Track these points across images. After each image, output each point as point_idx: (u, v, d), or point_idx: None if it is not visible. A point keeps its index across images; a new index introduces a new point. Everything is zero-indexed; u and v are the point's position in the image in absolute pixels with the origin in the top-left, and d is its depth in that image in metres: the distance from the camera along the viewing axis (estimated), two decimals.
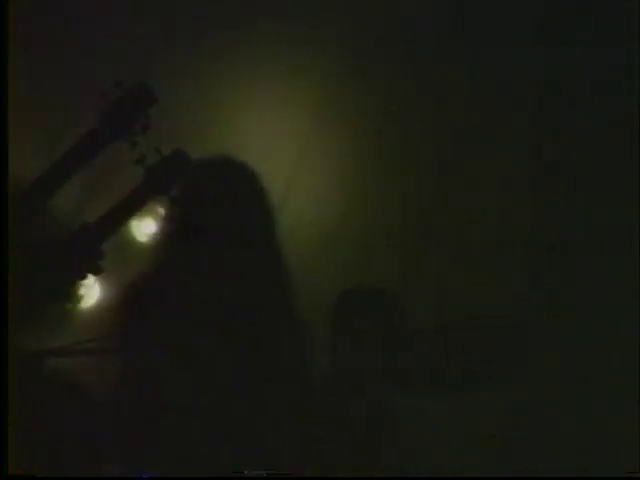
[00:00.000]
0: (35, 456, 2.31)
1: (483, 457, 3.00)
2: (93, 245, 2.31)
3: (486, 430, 3.06)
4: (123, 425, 2.69)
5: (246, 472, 2.64)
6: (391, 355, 2.98)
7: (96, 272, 2.33)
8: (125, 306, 2.78)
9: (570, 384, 3.10)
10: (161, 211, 2.80)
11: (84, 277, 2.33)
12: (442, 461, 2.94)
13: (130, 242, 3.27)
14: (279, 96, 3.42)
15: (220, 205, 2.71)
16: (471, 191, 3.31)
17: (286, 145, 3.43)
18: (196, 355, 2.73)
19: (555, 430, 3.07)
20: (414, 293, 3.21)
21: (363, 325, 3.00)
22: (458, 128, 3.34)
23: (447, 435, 3.04)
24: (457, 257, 3.27)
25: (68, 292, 2.38)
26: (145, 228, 3.34)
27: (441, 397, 3.01)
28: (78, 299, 2.47)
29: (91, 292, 3.25)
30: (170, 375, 2.71)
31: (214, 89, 3.39)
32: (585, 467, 2.86)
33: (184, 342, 2.71)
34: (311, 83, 3.41)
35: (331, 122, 3.42)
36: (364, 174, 3.41)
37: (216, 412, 2.70)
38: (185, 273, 2.73)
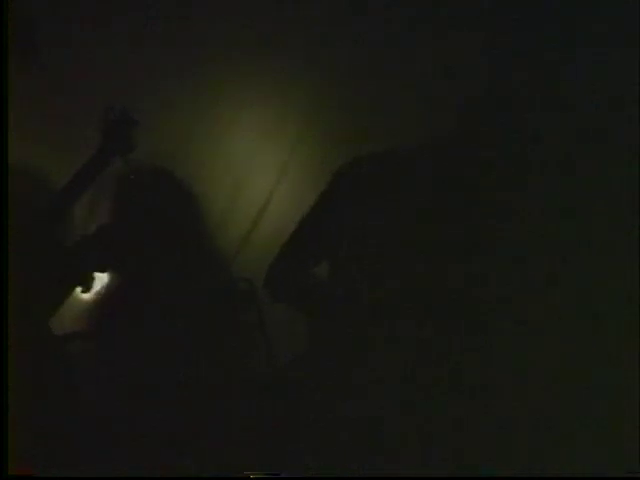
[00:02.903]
0: (35, 456, 2.32)
1: (483, 457, 3.00)
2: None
3: (485, 430, 3.06)
4: (122, 425, 2.69)
5: (246, 472, 2.66)
6: (391, 354, 3.00)
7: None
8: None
9: (570, 384, 3.10)
10: None
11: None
12: (441, 461, 2.95)
13: None
14: (264, 109, 3.43)
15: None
16: (469, 192, 3.32)
17: (268, 159, 3.44)
18: (194, 355, 2.74)
19: (555, 430, 3.07)
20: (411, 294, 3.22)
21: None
22: (454, 130, 3.34)
23: (447, 435, 3.05)
24: (454, 260, 3.27)
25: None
26: None
27: (440, 397, 3.03)
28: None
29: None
30: (170, 375, 2.72)
31: (196, 105, 3.40)
32: (585, 467, 2.86)
33: (177, 343, 2.73)
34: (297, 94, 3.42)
35: (316, 135, 3.43)
36: None
37: (212, 412, 2.72)
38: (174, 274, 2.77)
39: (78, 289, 2.60)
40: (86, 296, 2.78)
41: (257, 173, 3.28)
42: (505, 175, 3.29)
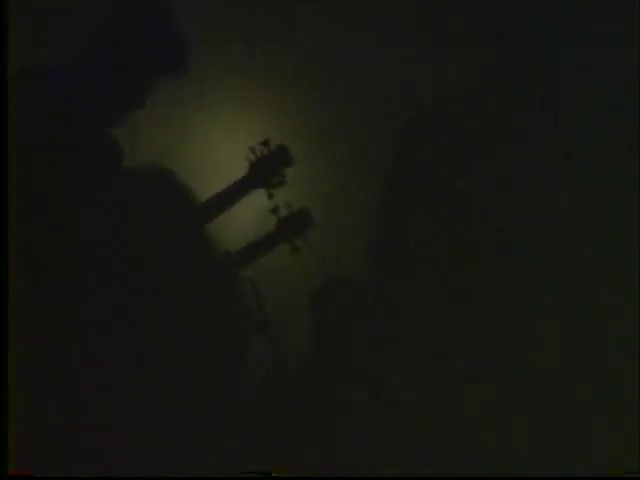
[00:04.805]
0: (35, 456, 2.32)
1: (483, 457, 3.01)
2: None
3: (485, 430, 3.07)
4: (122, 425, 2.69)
5: (246, 472, 2.65)
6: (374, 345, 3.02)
7: None
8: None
9: (570, 384, 3.10)
10: None
11: None
12: (441, 461, 2.95)
13: None
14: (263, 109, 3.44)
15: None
16: (469, 192, 3.32)
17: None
18: (194, 356, 2.74)
19: (555, 430, 3.07)
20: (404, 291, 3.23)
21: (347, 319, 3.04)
22: (452, 131, 3.34)
23: (447, 435, 3.05)
24: (448, 261, 3.28)
25: None
26: None
27: (441, 398, 3.03)
28: None
29: None
30: (170, 375, 2.72)
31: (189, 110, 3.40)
32: (585, 467, 2.86)
33: (178, 343, 2.73)
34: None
35: (316, 134, 3.44)
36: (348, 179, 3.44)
37: (212, 412, 2.72)
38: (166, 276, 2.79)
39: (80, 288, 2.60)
40: (87, 295, 2.78)
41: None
42: (505, 174, 3.29)
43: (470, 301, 3.16)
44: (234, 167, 2.97)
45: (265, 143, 2.84)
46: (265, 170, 2.86)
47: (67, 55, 2.69)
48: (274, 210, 2.94)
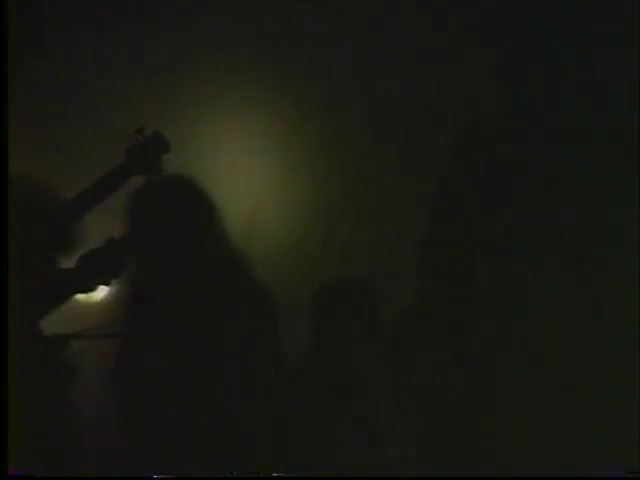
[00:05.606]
0: (35, 456, 2.32)
1: (483, 457, 3.00)
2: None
3: (485, 430, 3.06)
4: (123, 425, 2.70)
5: (246, 472, 2.66)
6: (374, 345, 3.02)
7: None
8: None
9: (570, 384, 3.10)
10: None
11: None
12: (441, 461, 2.96)
13: None
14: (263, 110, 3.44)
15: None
16: (470, 193, 3.32)
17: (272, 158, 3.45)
18: (197, 356, 2.75)
19: (555, 430, 3.07)
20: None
21: (346, 317, 3.05)
22: (452, 130, 3.34)
23: (447, 436, 3.05)
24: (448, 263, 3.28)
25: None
26: None
27: (441, 399, 3.03)
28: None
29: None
30: (171, 375, 2.73)
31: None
32: (585, 467, 2.86)
33: (180, 344, 2.74)
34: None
35: (319, 135, 3.44)
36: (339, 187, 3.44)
37: (214, 412, 2.72)
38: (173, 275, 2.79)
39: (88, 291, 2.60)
40: (90, 297, 2.79)
41: (261, 172, 3.29)
42: (505, 174, 3.29)
43: (470, 301, 3.16)
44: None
45: (140, 131, 2.75)
46: (144, 157, 2.77)
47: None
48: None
